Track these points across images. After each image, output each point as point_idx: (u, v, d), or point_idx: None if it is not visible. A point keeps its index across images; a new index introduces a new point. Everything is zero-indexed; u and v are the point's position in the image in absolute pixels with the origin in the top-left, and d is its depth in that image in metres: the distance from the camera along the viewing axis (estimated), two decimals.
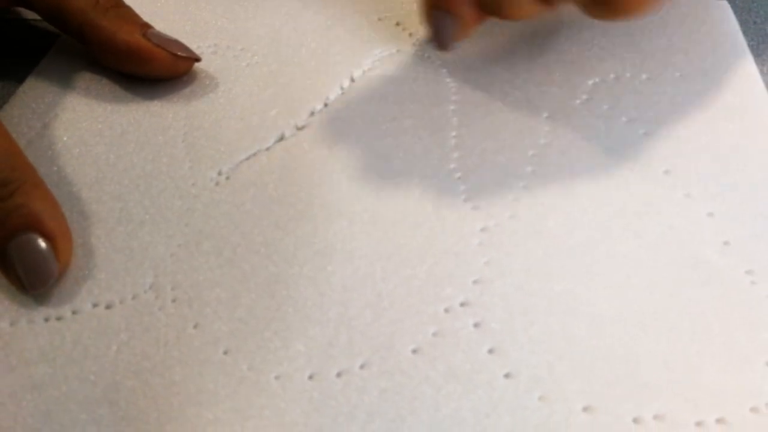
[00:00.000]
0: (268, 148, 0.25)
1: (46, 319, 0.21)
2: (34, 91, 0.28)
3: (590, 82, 0.28)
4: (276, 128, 0.26)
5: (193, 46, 0.28)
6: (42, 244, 0.21)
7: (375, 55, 0.29)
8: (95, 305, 0.21)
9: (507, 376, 0.20)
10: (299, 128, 0.26)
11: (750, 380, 0.19)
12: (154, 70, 0.27)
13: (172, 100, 0.27)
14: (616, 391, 0.19)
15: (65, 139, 0.26)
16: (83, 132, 0.26)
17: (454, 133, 0.26)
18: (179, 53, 0.27)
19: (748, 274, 0.22)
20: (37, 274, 0.21)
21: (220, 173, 0.25)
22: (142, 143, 0.25)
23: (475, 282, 0.22)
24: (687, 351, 0.20)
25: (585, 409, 0.19)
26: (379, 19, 0.30)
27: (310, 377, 0.20)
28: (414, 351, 0.20)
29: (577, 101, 0.27)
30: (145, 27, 0.27)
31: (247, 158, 0.25)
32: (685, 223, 0.23)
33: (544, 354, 0.20)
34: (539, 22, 0.30)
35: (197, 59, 0.28)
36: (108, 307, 0.21)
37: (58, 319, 0.21)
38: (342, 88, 0.27)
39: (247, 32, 0.30)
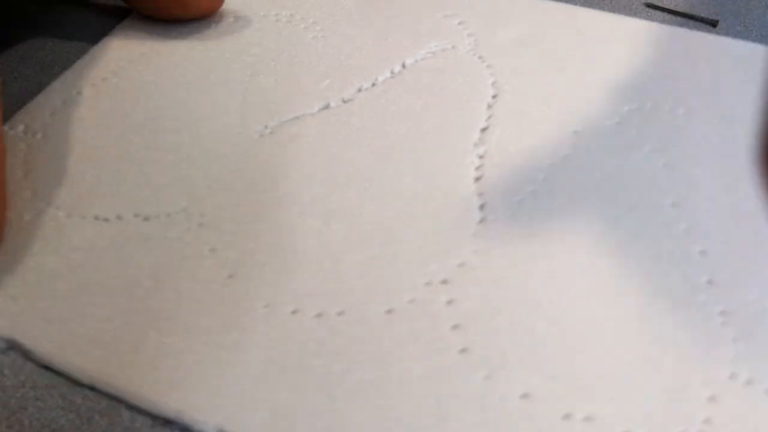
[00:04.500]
0: (312, 114, 0.28)
1: (96, 218, 0.25)
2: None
3: (626, 108, 0.29)
4: (324, 97, 0.29)
5: (271, 14, 0.31)
6: None
7: (431, 47, 0.31)
8: (136, 215, 0.25)
9: (462, 351, 0.22)
10: (345, 101, 0.29)
11: (686, 407, 0.20)
12: (190, 9, 0.30)
13: (241, 57, 0.30)
14: (556, 387, 0.21)
15: (145, 75, 0.30)
16: (157, 76, 0.30)
17: (480, 126, 0.28)
18: None
19: (721, 315, 0.23)
20: None
21: (266, 127, 0.28)
22: (207, 91, 0.29)
23: (459, 265, 0.24)
24: (634, 366, 0.21)
25: (523, 396, 0.21)
26: (445, 16, 0.32)
27: (293, 312, 0.23)
28: (388, 311, 0.23)
29: (608, 123, 0.28)
30: None
31: (292, 119, 0.28)
32: (675, 255, 0.24)
33: (501, 340, 0.22)
34: (594, 43, 0.31)
35: None
36: (146, 219, 0.25)
37: (105, 220, 0.25)
38: (392, 72, 0.30)
39: (320, 8, 0.33)
